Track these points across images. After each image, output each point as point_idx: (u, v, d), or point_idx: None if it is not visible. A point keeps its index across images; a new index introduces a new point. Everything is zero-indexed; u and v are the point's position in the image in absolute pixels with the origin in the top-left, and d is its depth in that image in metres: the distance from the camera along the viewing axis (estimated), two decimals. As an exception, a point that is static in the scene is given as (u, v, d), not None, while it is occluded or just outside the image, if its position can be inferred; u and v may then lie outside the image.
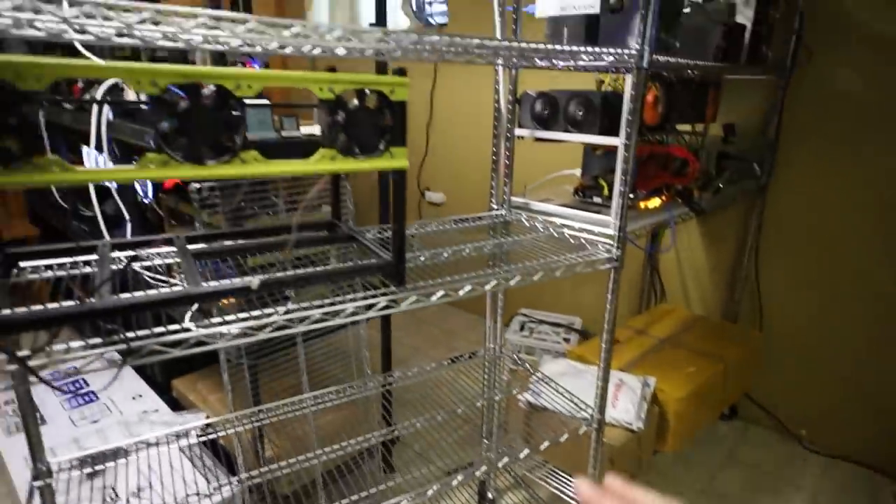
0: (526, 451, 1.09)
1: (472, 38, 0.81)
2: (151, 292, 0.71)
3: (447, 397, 1.36)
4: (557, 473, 1.54)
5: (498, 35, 1.32)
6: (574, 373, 1.60)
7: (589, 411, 1.22)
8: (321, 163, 0.73)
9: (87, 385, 1.89)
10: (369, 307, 0.80)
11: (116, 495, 1.32)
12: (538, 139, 1.35)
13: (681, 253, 2.18)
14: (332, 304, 0.78)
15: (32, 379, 0.67)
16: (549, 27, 1.37)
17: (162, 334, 0.67)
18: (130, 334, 0.66)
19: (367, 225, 1.15)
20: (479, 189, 2.90)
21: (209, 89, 0.64)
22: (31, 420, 0.94)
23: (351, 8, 3.39)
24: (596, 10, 1.24)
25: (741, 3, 1.65)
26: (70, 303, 0.66)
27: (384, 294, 0.82)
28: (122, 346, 0.65)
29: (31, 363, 0.61)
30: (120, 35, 0.57)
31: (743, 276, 1.99)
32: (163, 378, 1.92)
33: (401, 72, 0.77)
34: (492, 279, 0.91)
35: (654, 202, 1.39)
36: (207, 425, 1.18)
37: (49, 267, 0.86)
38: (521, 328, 2.31)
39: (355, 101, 0.75)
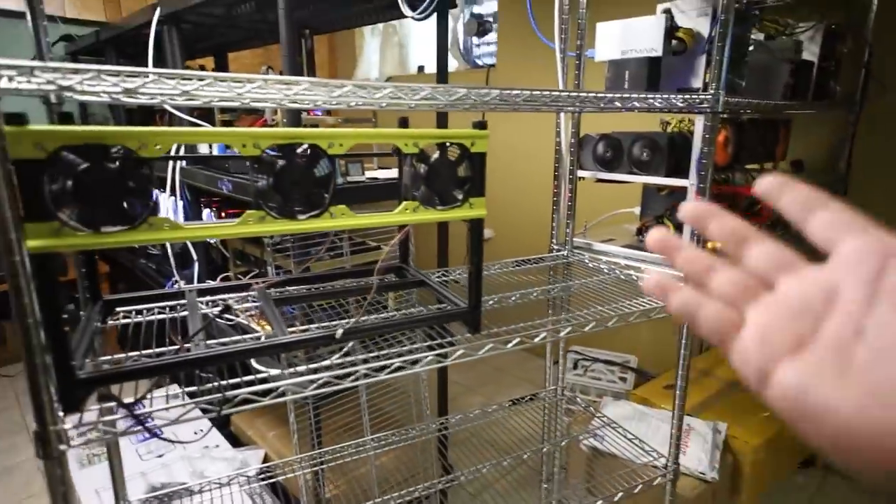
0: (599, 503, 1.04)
1: (520, 90, 0.82)
2: (243, 341, 0.73)
3: (506, 439, 1.33)
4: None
5: (559, 79, 1.33)
6: (638, 416, 1.54)
7: (662, 460, 1.17)
8: (404, 214, 0.75)
9: (152, 419, 1.94)
10: (447, 355, 0.80)
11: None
12: (600, 180, 1.35)
13: (744, 290, 2.10)
14: (410, 352, 0.78)
15: (122, 427, 0.69)
16: (609, 70, 1.37)
17: (252, 383, 0.69)
18: (224, 383, 0.68)
19: (421, 267, 1.16)
20: (529, 226, 2.90)
21: (303, 148, 0.67)
22: (116, 462, 0.97)
23: (400, 50, 3.51)
24: (658, 53, 1.24)
25: (807, 40, 1.62)
26: (164, 349, 0.69)
27: (460, 344, 0.82)
28: (219, 396, 0.67)
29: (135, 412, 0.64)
30: (182, 95, 0.60)
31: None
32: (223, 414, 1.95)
33: (481, 125, 0.79)
34: (567, 326, 0.90)
35: (714, 244, 1.35)
36: (268, 466, 1.19)
37: (139, 312, 0.90)
38: (575, 366, 2.26)
39: (437, 154, 0.77)
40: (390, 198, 1.02)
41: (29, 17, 0.86)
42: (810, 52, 1.60)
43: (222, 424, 1.93)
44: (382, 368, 0.75)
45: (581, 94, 0.87)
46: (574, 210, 1.36)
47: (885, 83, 1.65)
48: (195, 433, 1.87)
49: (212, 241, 1.77)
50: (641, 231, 1.37)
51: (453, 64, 3.28)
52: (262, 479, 1.22)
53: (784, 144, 1.36)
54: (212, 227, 0.69)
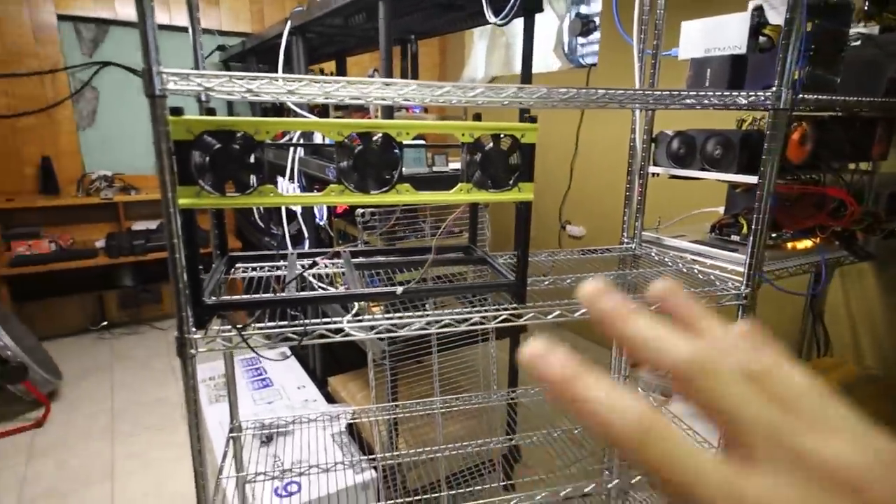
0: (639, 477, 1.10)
1: (595, 89, 0.91)
2: (324, 291, 0.91)
3: (571, 420, 1.41)
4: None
5: (636, 78, 1.38)
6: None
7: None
8: (458, 194, 0.88)
9: (266, 373, 2.27)
10: (493, 318, 0.92)
11: (281, 461, 1.59)
12: (673, 176, 1.37)
13: (852, 302, 1.95)
14: (459, 312, 0.92)
15: (233, 358, 0.90)
16: (692, 68, 1.39)
17: (328, 323, 0.87)
18: (307, 323, 0.87)
19: (506, 251, 1.28)
20: (619, 224, 2.89)
21: (377, 136, 0.83)
22: (232, 388, 1.21)
23: (506, 51, 3.63)
24: (743, 50, 1.25)
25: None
26: (269, 295, 0.89)
27: (506, 309, 0.93)
28: (301, 329, 0.85)
29: (244, 335, 0.84)
30: (325, 97, 0.78)
31: (932, 336, 1.72)
32: (322, 375, 2.23)
33: (532, 119, 0.90)
34: (608, 305, 0.97)
35: (805, 243, 1.31)
36: (353, 414, 1.39)
37: (254, 269, 1.13)
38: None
39: (491, 144, 0.89)
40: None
41: (190, 31, 1.11)
42: (933, 45, 1.47)
43: (321, 384, 2.20)
44: (433, 323, 0.89)
45: (629, 92, 0.94)
46: (644, 205, 1.40)
47: None
48: (298, 388, 2.16)
49: (320, 223, 2.03)
50: (715, 228, 1.37)
51: (556, 63, 3.33)
52: (346, 422, 1.42)
53: (883, 144, 1.27)
54: (303, 196, 0.88)
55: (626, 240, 1.44)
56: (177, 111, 0.72)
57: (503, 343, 1.77)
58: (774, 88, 0.99)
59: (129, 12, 2.94)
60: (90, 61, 2.97)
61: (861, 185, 1.35)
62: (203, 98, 1.02)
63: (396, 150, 0.84)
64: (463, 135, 0.87)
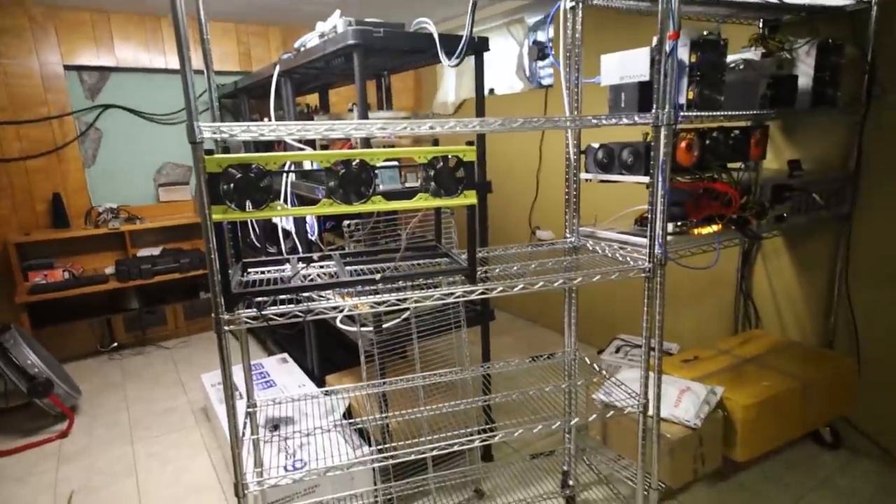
0: (594, 416, 1.38)
1: (536, 119, 1.21)
2: (320, 281, 1.19)
3: (535, 384, 1.69)
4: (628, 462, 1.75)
5: (565, 103, 1.69)
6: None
7: (639, 398, 1.48)
8: (418, 202, 1.18)
9: (269, 376, 2.53)
10: (450, 294, 1.21)
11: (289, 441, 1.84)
12: (601, 181, 1.68)
13: (773, 280, 2.26)
14: (426, 294, 1.20)
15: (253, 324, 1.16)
16: (611, 92, 1.71)
17: (328, 307, 1.15)
18: (310, 304, 1.15)
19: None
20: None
21: (356, 162, 1.13)
22: (248, 376, 1.48)
23: (473, 75, 3.96)
24: (647, 77, 1.57)
25: (803, 54, 1.83)
26: (280, 285, 1.17)
27: (461, 287, 1.22)
28: (305, 308, 1.13)
29: (261, 315, 1.12)
30: (303, 131, 1.07)
31: (835, 302, 2.03)
32: (319, 374, 2.49)
33: (471, 143, 1.20)
34: (539, 281, 1.27)
35: (707, 229, 1.62)
36: (340, 389, 1.66)
37: (263, 271, 1.41)
38: (617, 351, 2.53)
39: (441, 163, 1.19)
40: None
41: (206, 79, 1.40)
42: (807, 65, 1.81)
43: (320, 383, 2.46)
44: (406, 300, 1.18)
45: (564, 118, 1.24)
46: (578, 205, 1.70)
47: (885, 87, 1.80)
48: (298, 387, 2.42)
49: (312, 238, 2.32)
50: (637, 221, 1.67)
51: (519, 85, 3.68)
52: (331, 395, 1.69)
53: (760, 148, 1.59)
54: (303, 209, 1.16)
55: (567, 234, 1.74)
56: (209, 152, 1.01)
57: (476, 335, 2.06)
58: (654, 110, 1.30)
59: (127, 58, 3.24)
60: (93, 105, 3.25)
61: (750, 180, 1.67)
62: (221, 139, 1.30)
63: (369, 171, 1.14)
64: (420, 157, 1.17)
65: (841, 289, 2.01)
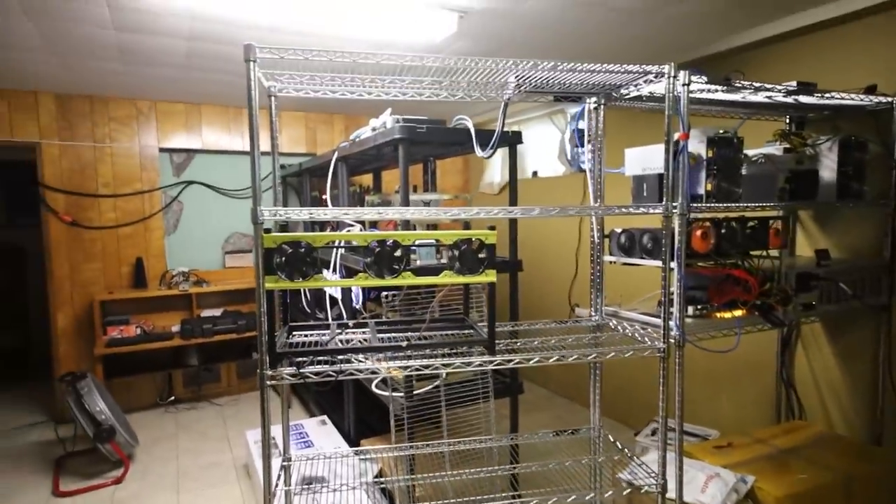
0: (610, 493, 1.40)
1: (565, 208, 1.36)
2: (354, 345, 1.34)
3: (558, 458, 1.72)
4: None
5: (591, 192, 1.84)
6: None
7: (657, 478, 1.48)
8: (442, 278, 1.32)
9: (308, 436, 2.64)
10: (470, 364, 1.32)
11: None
12: (623, 264, 1.78)
13: (815, 368, 2.20)
14: (448, 362, 1.32)
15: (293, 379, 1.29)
16: (634, 182, 1.85)
17: (359, 369, 1.28)
18: (342, 366, 1.29)
19: (502, 321, 1.68)
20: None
21: (390, 242, 1.30)
22: (285, 428, 1.62)
23: (519, 159, 4.21)
24: (662, 170, 1.70)
25: (826, 150, 1.91)
26: (317, 348, 1.32)
27: (479, 357, 1.33)
28: (338, 368, 1.27)
29: (301, 374, 1.26)
30: (360, 217, 1.26)
31: (881, 396, 1.96)
32: (355, 437, 2.58)
33: (492, 227, 1.35)
34: (555, 354, 1.36)
35: (730, 314, 1.66)
36: (370, 448, 1.75)
37: (307, 335, 1.57)
38: (653, 433, 2.48)
39: (465, 245, 1.34)
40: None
41: (272, 165, 1.65)
42: (830, 160, 1.89)
43: (355, 446, 2.55)
44: (429, 367, 1.29)
45: (590, 207, 1.38)
46: (602, 286, 1.79)
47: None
48: (335, 448, 2.51)
49: (357, 306, 2.49)
50: (660, 303, 1.74)
51: (561, 169, 3.88)
52: (371, 468, 1.78)
53: (780, 237, 1.65)
54: (341, 281, 1.33)
55: (592, 313, 1.82)
56: (268, 230, 1.21)
57: (503, 408, 2.12)
58: (664, 202, 1.42)
59: (209, 141, 3.71)
60: (178, 181, 3.70)
61: (773, 268, 1.72)
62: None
63: (401, 251, 1.30)
64: (446, 239, 1.33)
65: (885, 382, 1.95)
